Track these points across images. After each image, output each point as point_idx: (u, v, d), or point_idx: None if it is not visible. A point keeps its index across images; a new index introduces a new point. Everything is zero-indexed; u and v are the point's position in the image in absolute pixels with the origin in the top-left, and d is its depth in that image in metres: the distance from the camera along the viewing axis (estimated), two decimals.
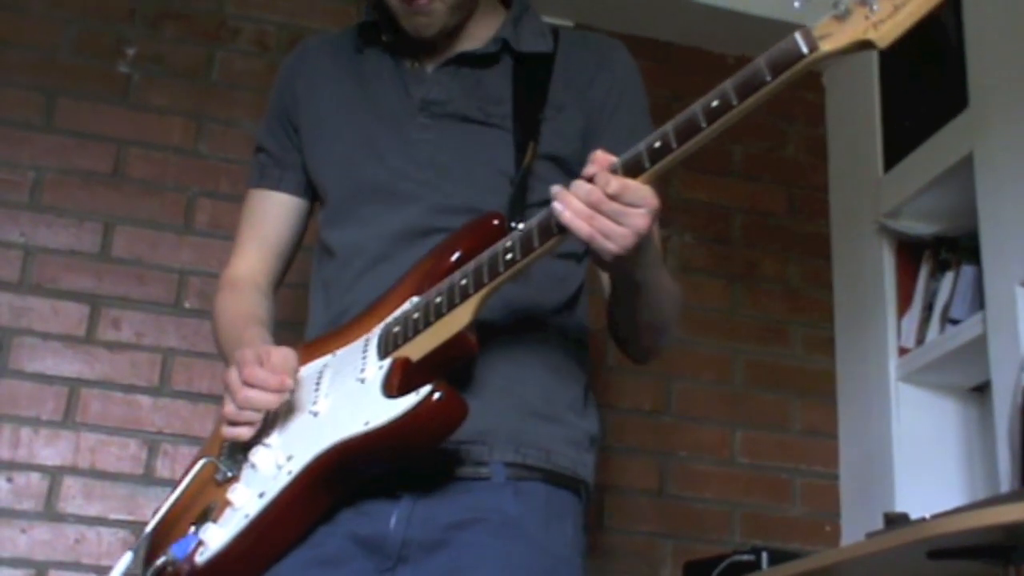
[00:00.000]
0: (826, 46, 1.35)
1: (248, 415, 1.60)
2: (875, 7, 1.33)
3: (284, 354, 1.62)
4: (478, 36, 1.87)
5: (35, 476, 2.84)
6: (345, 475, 1.59)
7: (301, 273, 1.99)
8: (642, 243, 1.47)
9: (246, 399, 1.59)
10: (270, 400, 1.59)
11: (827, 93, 3.78)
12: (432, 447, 1.56)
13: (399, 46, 1.88)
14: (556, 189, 1.47)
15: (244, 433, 1.62)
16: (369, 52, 1.91)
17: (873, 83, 3.48)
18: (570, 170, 1.77)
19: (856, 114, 3.56)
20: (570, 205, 1.44)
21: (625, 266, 1.53)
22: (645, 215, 1.44)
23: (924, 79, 3.26)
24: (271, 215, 1.94)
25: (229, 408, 1.61)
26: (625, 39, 1.98)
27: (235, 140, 3.19)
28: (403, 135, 1.81)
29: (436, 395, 1.50)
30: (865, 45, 1.35)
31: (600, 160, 1.46)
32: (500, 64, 1.85)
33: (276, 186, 1.94)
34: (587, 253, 1.71)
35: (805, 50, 1.35)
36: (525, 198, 1.73)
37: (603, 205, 1.43)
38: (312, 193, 1.94)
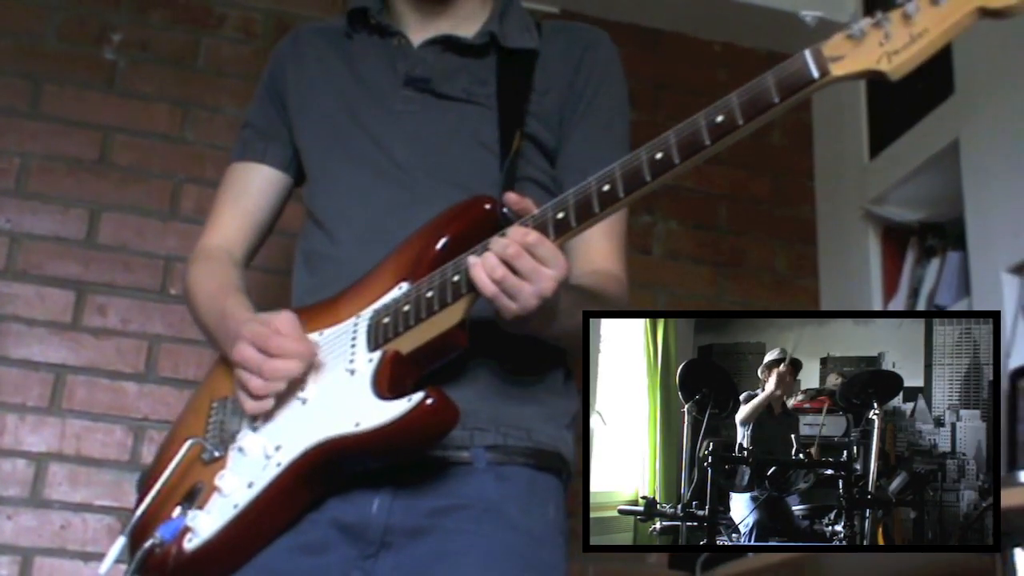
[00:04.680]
0: (837, 71, 1.33)
1: (276, 386, 1.60)
2: (890, 34, 1.30)
3: (291, 319, 1.62)
4: (465, 23, 1.89)
5: (21, 462, 2.84)
6: (333, 470, 1.59)
7: (284, 260, 1.98)
8: (545, 306, 1.47)
9: (275, 370, 1.59)
10: (298, 368, 1.59)
11: None
12: (422, 452, 1.58)
13: (386, 27, 1.90)
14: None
15: (269, 405, 1.61)
16: (358, 36, 1.93)
17: None
18: (548, 151, 1.80)
19: (842, 100, 3.55)
20: (486, 261, 1.46)
21: (519, 327, 1.52)
22: (553, 279, 1.45)
23: None
24: (253, 187, 1.94)
25: (256, 382, 1.60)
26: (611, 26, 1.99)
27: (221, 127, 3.19)
28: (387, 107, 1.83)
29: (428, 401, 1.49)
30: (876, 75, 1.32)
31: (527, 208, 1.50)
32: (486, 58, 1.86)
33: (260, 158, 1.94)
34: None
35: (816, 74, 1.34)
36: (514, 178, 1.74)
37: (518, 260, 1.44)
38: (295, 169, 1.95)
